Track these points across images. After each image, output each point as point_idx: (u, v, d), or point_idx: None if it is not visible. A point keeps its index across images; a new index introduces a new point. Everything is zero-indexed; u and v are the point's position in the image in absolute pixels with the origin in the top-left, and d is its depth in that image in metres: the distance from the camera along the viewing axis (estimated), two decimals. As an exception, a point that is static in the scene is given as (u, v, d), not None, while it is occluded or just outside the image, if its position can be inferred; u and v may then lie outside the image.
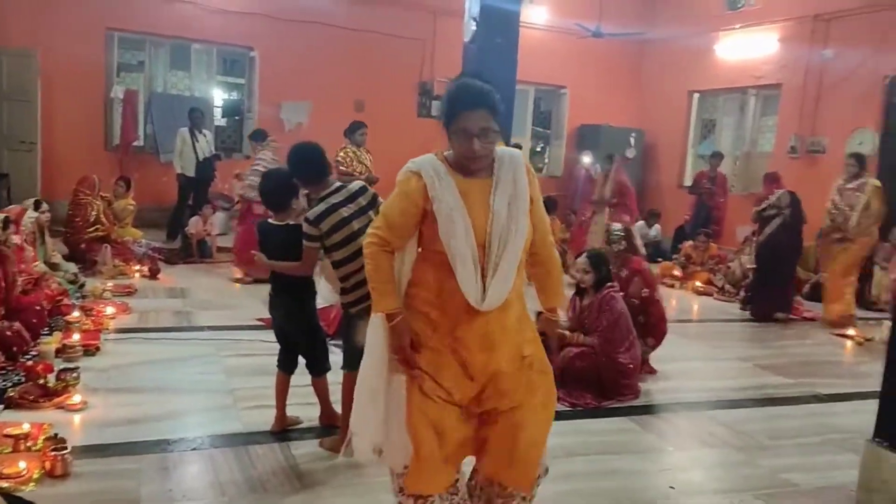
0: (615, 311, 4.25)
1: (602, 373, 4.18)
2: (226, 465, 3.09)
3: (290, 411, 3.70)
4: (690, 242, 9.16)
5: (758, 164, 10.57)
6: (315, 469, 3.11)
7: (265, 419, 3.60)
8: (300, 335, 3.51)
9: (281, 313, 3.53)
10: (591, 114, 12.05)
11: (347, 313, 3.25)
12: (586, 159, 11.15)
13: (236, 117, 10.98)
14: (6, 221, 4.80)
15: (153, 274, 6.68)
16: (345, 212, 3.14)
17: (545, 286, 2.37)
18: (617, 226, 5.09)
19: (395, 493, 2.30)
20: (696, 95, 11.84)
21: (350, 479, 3.04)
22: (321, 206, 3.15)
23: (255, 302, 6.11)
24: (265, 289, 6.53)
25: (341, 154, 7.14)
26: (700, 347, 5.87)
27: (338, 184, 3.25)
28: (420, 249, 2.23)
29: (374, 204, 3.22)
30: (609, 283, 4.37)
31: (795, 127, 9.88)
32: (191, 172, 8.66)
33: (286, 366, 3.55)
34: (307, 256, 3.23)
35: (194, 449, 3.26)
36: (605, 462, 3.45)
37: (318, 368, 3.55)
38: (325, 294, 5.14)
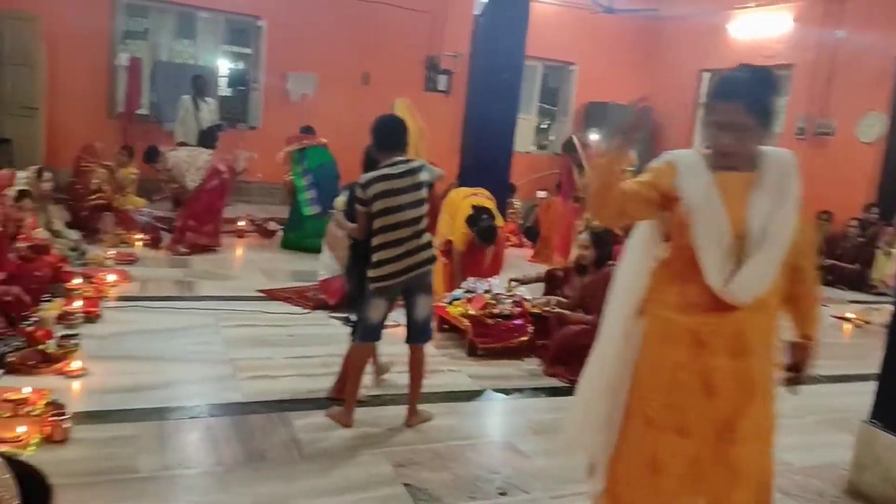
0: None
1: None
2: (224, 434, 3.11)
3: (285, 384, 3.72)
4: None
5: (766, 145, 10.46)
6: (314, 439, 3.12)
7: (264, 389, 3.62)
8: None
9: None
10: (599, 91, 11.92)
11: (367, 288, 3.24)
12: (593, 137, 11.06)
13: (241, 87, 10.89)
14: (21, 194, 4.92)
15: (155, 243, 6.68)
16: (397, 184, 3.16)
17: (802, 308, 2.09)
18: None
19: None
20: (707, 74, 11.70)
21: (349, 450, 3.05)
22: (374, 173, 3.18)
23: (256, 273, 6.12)
24: (266, 260, 6.65)
25: None
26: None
27: (402, 158, 3.26)
28: (668, 251, 2.07)
29: (430, 185, 3.29)
30: (610, 262, 4.35)
31: (805, 108, 9.78)
32: (192, 141, 8.57)
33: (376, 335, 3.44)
34: (358, 220, 3.25)
35: (192, 417, 3.27)
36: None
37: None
38: (328, 263, 5.16)
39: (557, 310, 4.49)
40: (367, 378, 3.90)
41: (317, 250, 5.67)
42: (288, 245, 7.28)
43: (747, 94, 1.92)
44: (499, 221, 5.69)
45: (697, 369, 1.93)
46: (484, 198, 5.64)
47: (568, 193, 7.44)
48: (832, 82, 9.53)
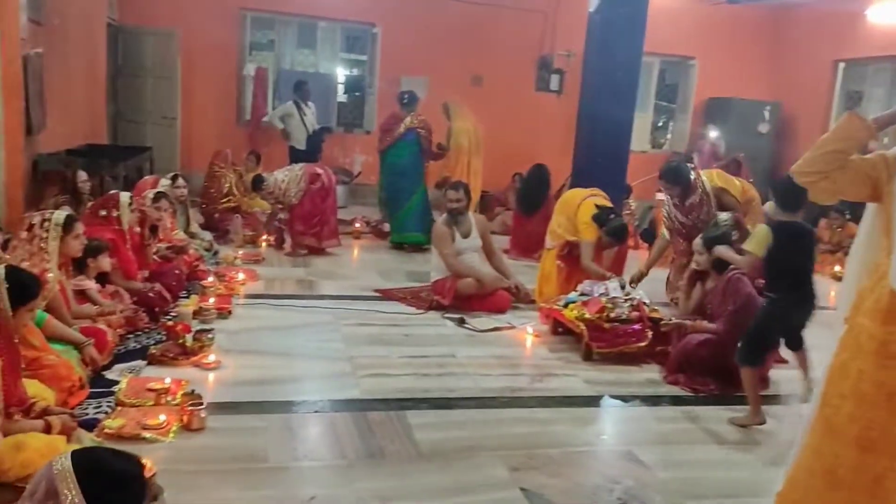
0: (742, 293, 4.01)
1: (728, 360, 3.96)
2: (345, 430, 3.21)
3: (402, 382, 3.79)
4: (826, 221, 8.49)
5: (909, 140, 9.63)
6: (431, 438, 3.16)
7: (382, 387, 3.71)
8: None
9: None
10: (720, 86, 11.39)
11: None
12: (712, 134, 10.58)
13: (357, 93, 11.23)
14: (158, 196, 5.31)
15: (279, 244, 7.00)
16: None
17: None
18: (724, 215, 4.77)
19: None
20: (842, 65, 10.90)
21: (465, 451, 3.07)
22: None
23: (373, 274, 6.29)
24: (382, 261, 6.83)
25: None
26: (828, 336, 5.44)
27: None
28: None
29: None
30: (732, 266, 4.13)
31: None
32: (302, 146, 8.88)
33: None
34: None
35: (316, 412, 3.40)
36: (728, 451, 3.29)
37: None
38: (438, 265, 5.27)
39: (675, 320, 4.32)
40: (482, 378, 3.92)
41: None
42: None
43: None
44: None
45: (882, 381, 1.79)
46: (601, 198, 5.50)
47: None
48: None
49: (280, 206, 6.95)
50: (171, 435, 2.99)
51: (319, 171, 6.99)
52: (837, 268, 7.69)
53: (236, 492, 2.62)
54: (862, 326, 1.87)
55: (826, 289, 7.19)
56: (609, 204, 5.50)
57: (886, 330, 1.79)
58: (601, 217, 5.25)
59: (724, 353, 3.93)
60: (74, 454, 1.63)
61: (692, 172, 5.27)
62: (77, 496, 1.54)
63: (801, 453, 1.95)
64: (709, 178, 5.29)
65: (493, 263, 5.61)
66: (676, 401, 3.86)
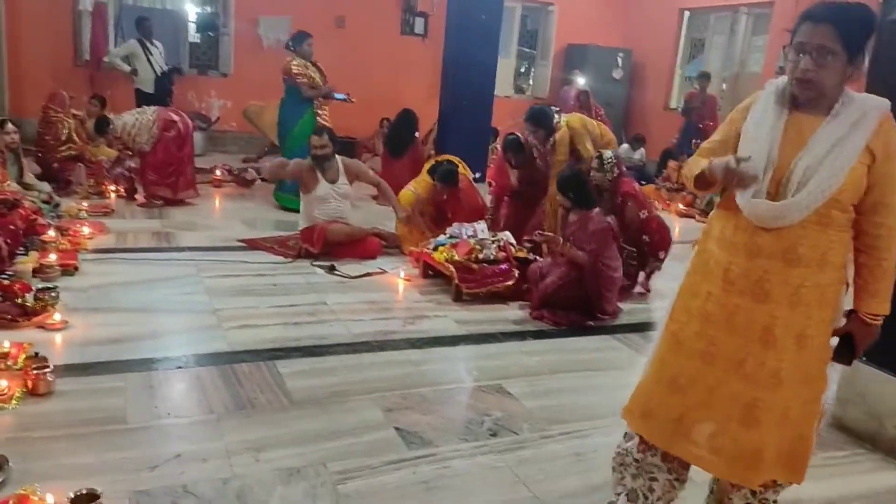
0: (600, 222, 4.25)
1: (588, 285, 4.18)
2: (212, 383, 3.09)
3: (271, 332, 3.69)
4: (675, 163, 9.09)
5: (747, 86, 10.41)
6: (303, 387, 3.11)
7: (250, 338, 3.59)
8: None
9: None
10: (578, 33, 11.73)
11: None
12: (580, 80, 10.91)
13: (210, 33, 10.53)
14: None
15: (130, 195, 6.53)
16: None
17: (864, 278, 1.90)
18: (608, 153, 5.00)
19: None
20: (687, 13, 11.54)
21: (338, 396, 3.05)
22: None
23: (237, 223, 6.03)
24: (246, 210, 6.54)
25: (295, 65, 6.57)
26: (681, 268, 5.88)
27: None
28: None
29: None
30: (594, 205, 4.34)
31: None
32: (149, 88, 8.23)
33: None
34: None
35: (179, 367, 3.24)
36: (589, 378, 3.50)
37: None
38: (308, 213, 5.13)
39: (549, 234, 4.48)
40: (348, 323, 3.90)
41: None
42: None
43: (842, 20, 1.78)
44: (466, 171, 5.77)
45: (724, 303, 1.92)
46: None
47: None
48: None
49: (129, 152, 6.45)
50: (15, 402, 2.75)
51: (175, 117, 6.51)
52: (681, 205, 8.30)
53: (94, 455, 2.46)
54: (710, 252, 1.99)
55: (672, 224, 7.74)
56: (465, 171, 5.75)
57: (728, 258, 1.94)
58: (433, 167, 5.61)
59: (582, 287, 4.16)
60: None
61: (556, 115, 5.43)
62: None
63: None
64: (570, 120, 5.47)
65: (383, 194, 5.65)
66: (541, 335, 4.04)
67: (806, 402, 1.95)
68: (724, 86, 11.07)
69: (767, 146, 1.86)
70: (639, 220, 4.73)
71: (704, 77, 9.94)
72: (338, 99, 6.83)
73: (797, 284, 1.86)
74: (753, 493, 2.09)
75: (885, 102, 1.86)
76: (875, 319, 1.92)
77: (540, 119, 5.31)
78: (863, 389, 2.97)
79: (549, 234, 4.53)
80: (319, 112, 6.69)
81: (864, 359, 2.97)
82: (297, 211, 5.61)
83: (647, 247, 4.78)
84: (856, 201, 1.85)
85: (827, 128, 1.83)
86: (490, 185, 6.09)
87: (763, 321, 1.88)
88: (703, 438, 1.96)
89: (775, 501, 2.14)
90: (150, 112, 6.43)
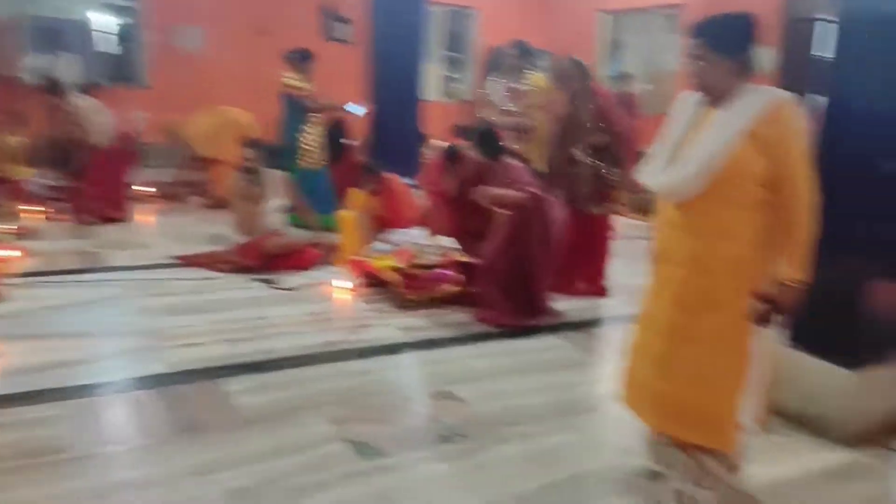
0: (517, 168, 4.49)
1: (529, 270, 4.25)
2: (153, 407, 3.00)
3: (212, 350, 3.62)
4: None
5: (665, 84, 10.79)
6: (249, 403, 3.07)
7: (191, 357, 3.51)
8: None
9: None
10: (500, 36, 11.87)
11: None
12: (495, 82, 11.02)
13: (125, 44, 10.16)
14: None
15: (53, 214, 6.26)
16: None
17: (779, 246, 2.13)
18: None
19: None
20: (604, 15, 11.87)
21: (286, 412, 3.02)
22: None
23: (166, 240, 5.87)
24: (178, 226, 6.37)
25: (290, 77, 6.31)
26: (619, 265, 5.99)
27: None
28: None
29: None
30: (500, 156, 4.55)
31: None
32: None
33: None
34: None
35: (117, 392, 3.14)
36: (536, 379, 3.55)
37: None
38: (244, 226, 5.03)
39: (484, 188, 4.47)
40: (294, 337, 3.86)
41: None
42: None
43: (711, 35, 2.15)
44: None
45: (657, 272, 2.35)
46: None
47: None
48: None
49: (75, 131, 6.14)
50: (-58, 440, 2.61)
51: (132, 133, 6.30)
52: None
53: (35, 488, 2.36)
54: (660, 238, 2.38)
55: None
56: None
57: (659, 233, 2.35)
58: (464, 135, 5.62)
59: (519, 257, 4.21)
60: None
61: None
62: None
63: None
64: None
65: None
66: (487, 337, 4.09)
67: (722, 368, 2.22)
68: (641, 85, 11.42)
69: (676, 134, 2.25)
70: (616, 115, 4.91)
71: (625, 77, 10.23)
72: (352, 113, 6.58)
73: (700, 254, 2.18)
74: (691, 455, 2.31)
75: (779, 93, 2.12)
76: (792, 284, 2.13)
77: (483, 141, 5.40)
78: (792, 374, 3.12)
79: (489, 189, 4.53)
80: (307, 130, 6.36)
81: (794, 342, 3.14)
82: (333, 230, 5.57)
83: (619, 138, 4.85)
84: (750, 182, 2.09)
85: (716, 116, 2.16)
86: (424, 189, 6.11)
87: (676, 285, 2.23)
88: (635, 391, 2.40)
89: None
90: (107, 112, 6.21)
